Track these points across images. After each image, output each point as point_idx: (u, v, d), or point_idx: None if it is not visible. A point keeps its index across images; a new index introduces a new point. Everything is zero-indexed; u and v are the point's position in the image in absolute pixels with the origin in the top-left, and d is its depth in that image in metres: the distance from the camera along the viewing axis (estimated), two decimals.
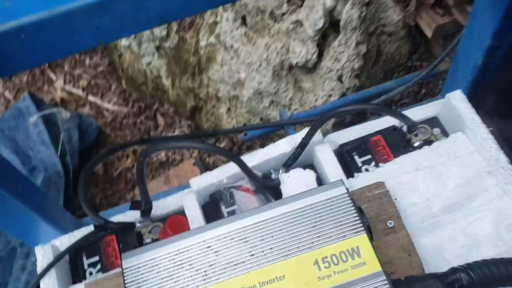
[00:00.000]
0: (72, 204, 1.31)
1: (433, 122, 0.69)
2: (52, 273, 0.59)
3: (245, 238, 0.50)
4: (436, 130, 0.67)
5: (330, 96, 1.19)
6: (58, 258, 0.59)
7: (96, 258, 0.63)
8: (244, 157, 0.66)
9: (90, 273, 0.62)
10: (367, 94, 0.95)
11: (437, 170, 0.61)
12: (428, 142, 0.65)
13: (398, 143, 0.67)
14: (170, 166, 1.48)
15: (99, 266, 0.63)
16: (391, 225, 0.56)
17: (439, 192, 0.60)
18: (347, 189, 0.51)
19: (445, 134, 0.67)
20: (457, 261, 0.50)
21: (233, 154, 0.58)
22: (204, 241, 0.50)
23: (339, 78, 1.16)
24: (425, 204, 0.59)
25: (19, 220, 0.68)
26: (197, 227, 0.51)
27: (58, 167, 1.32)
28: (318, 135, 0.65)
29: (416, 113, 0.69)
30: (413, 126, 0.64)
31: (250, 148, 1.37)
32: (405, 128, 0.67)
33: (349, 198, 0.51)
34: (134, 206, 0.62)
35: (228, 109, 1.39)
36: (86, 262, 0.63)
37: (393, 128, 0.68)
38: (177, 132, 1.51)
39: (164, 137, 1.19)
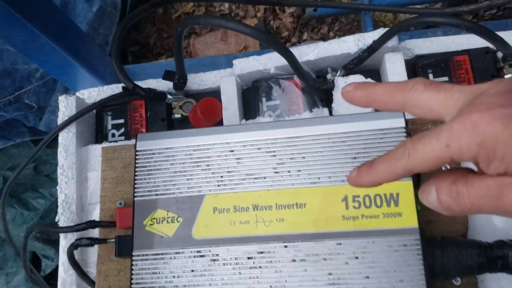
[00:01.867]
0: (122, 41, 1.27)
1: None
2: (73, 127, 0.56)
3: (274, 151, 0.44)
4: None
5: None
6: (81, 113, 0.55)
7: (122, 121, 0.59)
8: (301, 47, 0.56)
9: (113, 135, 0.59)
10: None
11: None
12: None
13: (486, 70, 0.55)
14: None
15: (123, 130, 0.59)
16: (445, 168, 0.47)
17: None
18: (406, 122, 0.43)
19: None
20: (506, 231, 0.43)
21: (286, 48, 0.48)
22: (228, 143, 0.45)
23: None
24: None
25: (52, 58, 0.64)
26: (224, 126, 0.45)
27: (117, 0, 1.25)
28: (393, 40, 0.54)
29: None
30: (510, 56, 0.52)
31: (315, 30, 1.23)
32: (499, 54, 0.55)
33: (405, 133, 0.42)
34: (167, 76, 0.56)
35: None
36: (110, 122, 0.59)
37: (485, 51, 0.56)
38: None
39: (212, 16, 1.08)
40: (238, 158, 0.44)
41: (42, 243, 0.87)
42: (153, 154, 0.45)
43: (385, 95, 0.30)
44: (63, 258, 0.52)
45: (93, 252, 0.53)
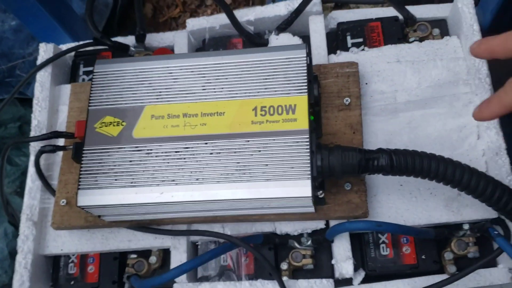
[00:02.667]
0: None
1: (440, 23, 0.67)
2: (49, 68, 0.67)
3: (203, 73, 0.55)
4: (436, 31, 0.65)
5: None
6: (57, 56, 0.66)
7: (91, 69, 0.70)
8: (241, 10, 0.68)
9: (83, 79, 0.70)
10: None
11: (417, 67, 0.61)
12: (424, 39, 0.65)
13: (394, 34, 0.66)
14: None
15: (91, 76, 0.70)
16: (347, 102, 0.58)
17: (410, 87, 0.61)
18: (307, 53, 0.54)
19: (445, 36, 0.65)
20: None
21: (225, 3, 0.60)
22: (168, 67, 0.55)
23: None
24: (392, 95, 0.61)
25: (39, 21, 0.76)
26: (165, 55, 0.56)
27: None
28: (317, 5, 0.66)
29: (427, 10, 0.67)
30: (409, 19, 0.63)
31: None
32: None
33: (305, 62, 0.53)
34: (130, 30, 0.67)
35: None
36: (82, 69, 0.71)
37: (394, 19, 0.67)
38: None
39: None
40: (175, 78, 0.55)
41: (22, 199, 0.96)
42: (107, 74, 0.56)
43: (500, 46, 0.38)
44: (31, 170, 0.62)
45: (57, 169, 0.63)
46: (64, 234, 0.61)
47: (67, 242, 0.60)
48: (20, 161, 0.94)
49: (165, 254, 0.60)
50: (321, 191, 0.53)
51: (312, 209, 0.53)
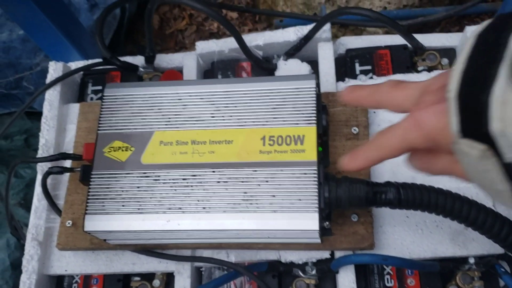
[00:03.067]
0: (118, 49, 1.40)
1: (449, 52, 0.67)
2: (58, 87, 0.67)
3: (213, 101, 0.55)
4: (445, 60, 0.66)
5: (385, 8, 1.15)
6: (66, 75, 0.66)
7: (100, 88, 0.71)
8: (251, 35, 0.68)
9: (91, 98, 0.70)
10: (412, 13, 0.91)
11: None
12: (433, 69, 0.65)
13: (403, 62, 0.67)
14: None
15: (100, 95, 0.70)
16: (355, 132, 0.58)
17: None
18: (317, 84, 0.54)
19: None
20: None
21: (233, 28, 0.60)
22: (177, 93, 0.56)
23: None
24: None
25: (47, 36, 0.76)
26: (175, 80, 0.56)
27: (116, 11, 1.38)
28: (326, 32, 0.66)
29: (436, 39, 0.68)
30: (418, 48, 0.64)
31: None
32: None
33: (314, 92, 0.53)
34: (140, 51, 0.68)
35: None
36: (90, 88, 0.71)
37: (404, 47, 0.67)
38: (235, 1, 1.52)
39: None
40: (184, 105, 0.55)
41: (26, 211, 0.97)
42: (116, 98, 0.56)
43: (367, 98, 0.39)
44: (38, 190, 0.63)
45: (63, 189, 0.63)
46: (68, 254, 0.61)
47: (71, 263, 0.60)
48: (25, 173, 0.94)
49: (169, 277, 0.60)
50: (327, 222, 0.53)
51: (318, 240, 0.53)
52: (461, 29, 0.66)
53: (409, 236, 0.56)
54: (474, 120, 0.28)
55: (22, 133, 0.93)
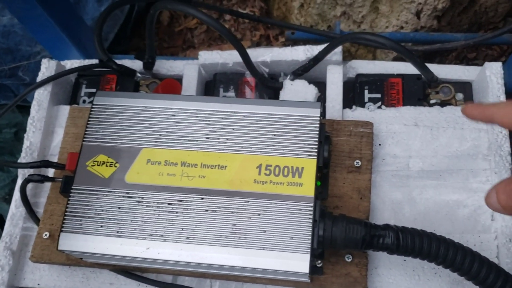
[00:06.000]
0: (123, 43, 1.36)
1: (464, 87, 0.64)
2: (49, 87, 0.63)
3: (208, 120, 0.51)
4: (459, 95, 0.62)
5: (402, 28, 1.11)
6: (59, 75, 0.63)
7: (93, 90, 0.67)
8: (258, 49, 0.64)
9: (84, 101, 0.67)
10: (429, 37, 0.88)
11: (436, 133, 0.58)
12: (446, 103, 0.61)
13: (415, 93, 0.63)
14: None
15: (92, 98, 0.66)
16: (358, 165, 0.54)
17: (426, 155, 0.57)
18: (322, 113, 0.50)
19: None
20: (405, 225, 0.49)
21: (239, 43, 0.57)
22: (171, 108, 0.52)
23: (417, 13, 1.07)
24: (405, 160, 0.57)
25: (46, 31, 0.73)
26: (170, 94, 0.53)
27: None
28: (337, 55, 0.62)
29: (452, 71, 0.64)
30: (432, 80, 0.60)
31: None
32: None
33: (318, 122, 0.50)
34: (139, 56, 0.64)
35: (301, 5, 1.33)
36: (84, 90, 0.67)
37: (417, 77, 0.63)
38: (247, 10, 1.48)
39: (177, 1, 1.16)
40: (177, 122, 0.51)
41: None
42: (106, 108, 0.53)
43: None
44: (16, 195, 0.59)
45: (45, 196, 0.59)
46: (43, 267, 0.57)
47: (45, 277, 0.57)
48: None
49: None
50: (319, 261, 0.50)
51: (307, 280, 0.49)
52: (478, 56, 0.62)
53: (405, 282, 0.52)
54: None
55: (11, 127, 0.90)
